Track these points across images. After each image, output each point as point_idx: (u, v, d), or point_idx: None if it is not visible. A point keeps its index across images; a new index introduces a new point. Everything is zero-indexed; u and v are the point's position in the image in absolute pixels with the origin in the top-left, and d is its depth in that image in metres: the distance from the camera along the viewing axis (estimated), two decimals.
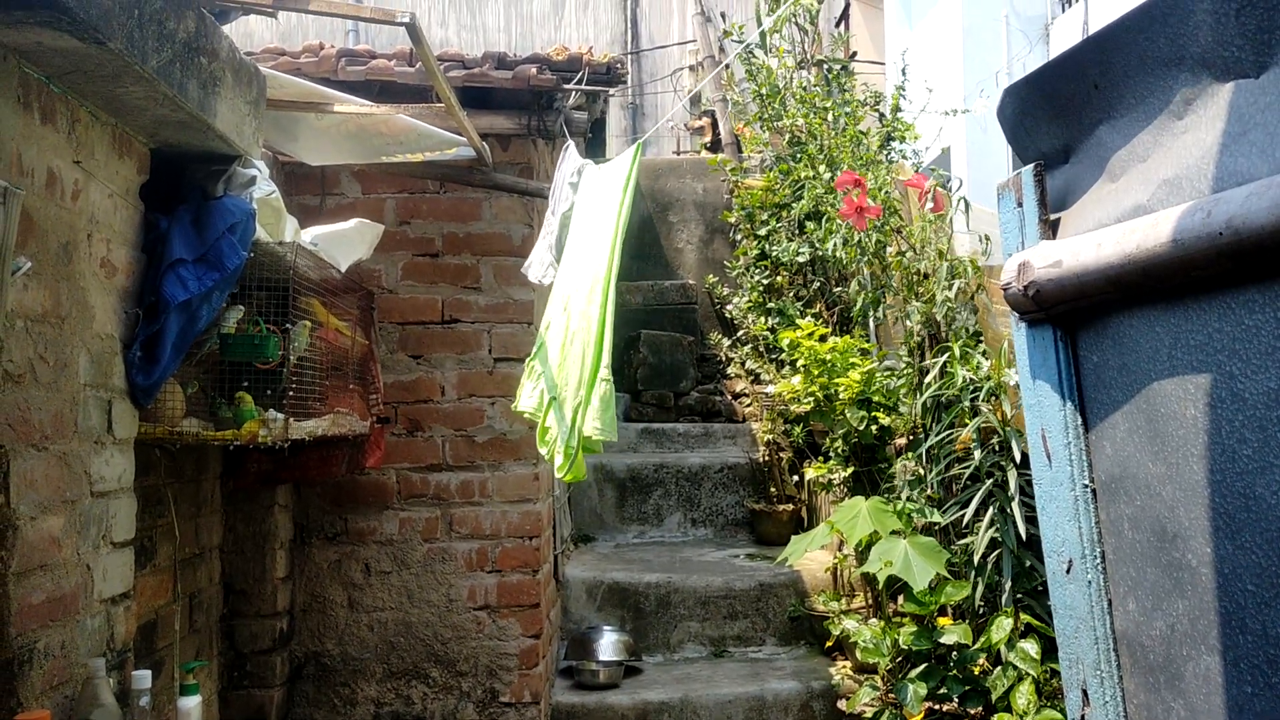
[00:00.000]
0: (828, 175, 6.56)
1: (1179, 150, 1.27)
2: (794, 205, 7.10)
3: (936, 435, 4.54)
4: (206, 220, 2.77)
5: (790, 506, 6.38)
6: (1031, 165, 1.49)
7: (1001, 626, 3.96)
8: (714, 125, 10.14)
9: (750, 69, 7.95)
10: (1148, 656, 1.36)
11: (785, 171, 7.34)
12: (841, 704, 4.64)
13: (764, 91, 7.70)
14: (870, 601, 5.04)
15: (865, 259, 5.60)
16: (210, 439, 2.95)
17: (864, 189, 4.80)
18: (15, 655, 2.16)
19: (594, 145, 5.64)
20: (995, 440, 4.30)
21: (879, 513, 4.37)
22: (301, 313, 3.28)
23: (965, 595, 4.20)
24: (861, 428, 5.27)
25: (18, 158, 2.14)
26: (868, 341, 5.87)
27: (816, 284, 7.05)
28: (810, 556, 5.43)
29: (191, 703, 2.90)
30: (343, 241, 3.81)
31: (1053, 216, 1.48)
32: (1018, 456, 4.13)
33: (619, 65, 4.62)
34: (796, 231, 7.15)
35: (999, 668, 3.96)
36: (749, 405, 7.50)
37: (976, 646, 4.11)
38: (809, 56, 8.19)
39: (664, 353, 7.98)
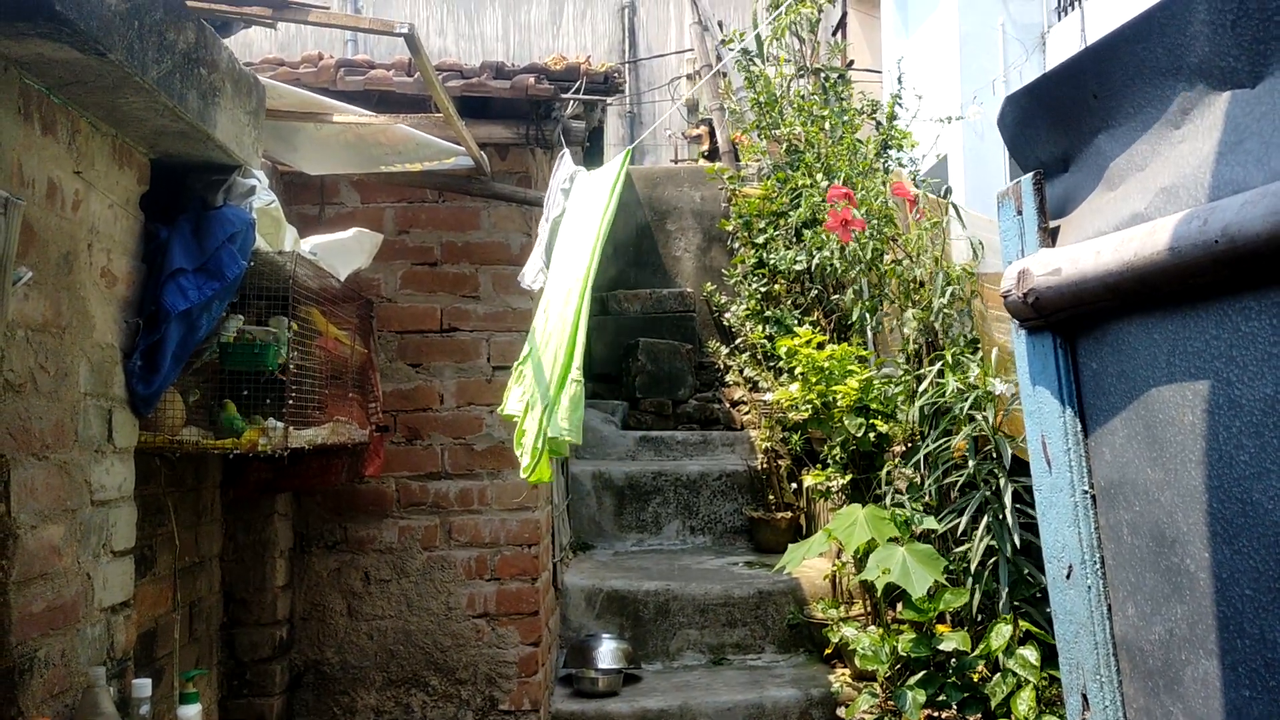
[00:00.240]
0: (825, 183, 6.57)
1: (1176, 159, 1.28)
2: (791, 213, 7.12)
3: (932, 443, 4.55)
4: (206, 230, 2.78)
5: (789, 514, 6.38)
6: (1031, 174, 1.50)
7: (1000, 633, 3.96)
8: (711, 134, 10.16)
9: (749, 77, 7.97)
10: (1147, 661, 1.36)
11: (783, 180, 7.35)
12: (841, 711, 4.64)
13: (762, 100, 7.71)
14: (869, 609, 5.05)
15: (861, 267, 5.62)
16: (210, 447, 2.96)
17: (853, 201, 4.82)
18: (16, 664, 2.16)
19: (592, 154, 5.66)
20: (989, 448, 4.31)
21: (877, 520, 4.37)
22: (301, 321, 3.28)
23: (964, 602, 4.20)
24: (859, 435, 5.28)
25: (19, 168, 2.15)
26: (865, 349, 5.88)
27: (814, 292, 7.06)
28: (809, 564, 5.43)
29: (191, 711, 2.90)
30: (342, 251, 3.82)
31: (1052, 224, 1.49)
32: (1008, 463, 4.14)
33: (616, 74, 4.64)
34: (794, 239, 7.16)
35: (998, 675, 3.96)
36: (747, 413, 7.50)
37: (975, 653, 4.11)
38: (807, 65, 8.21)
39: (662, 361, 7.99)
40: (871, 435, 5.28)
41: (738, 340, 7.39)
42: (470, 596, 4.45)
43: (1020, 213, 1.48)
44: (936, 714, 4.22)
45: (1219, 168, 1.20)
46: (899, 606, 4.59)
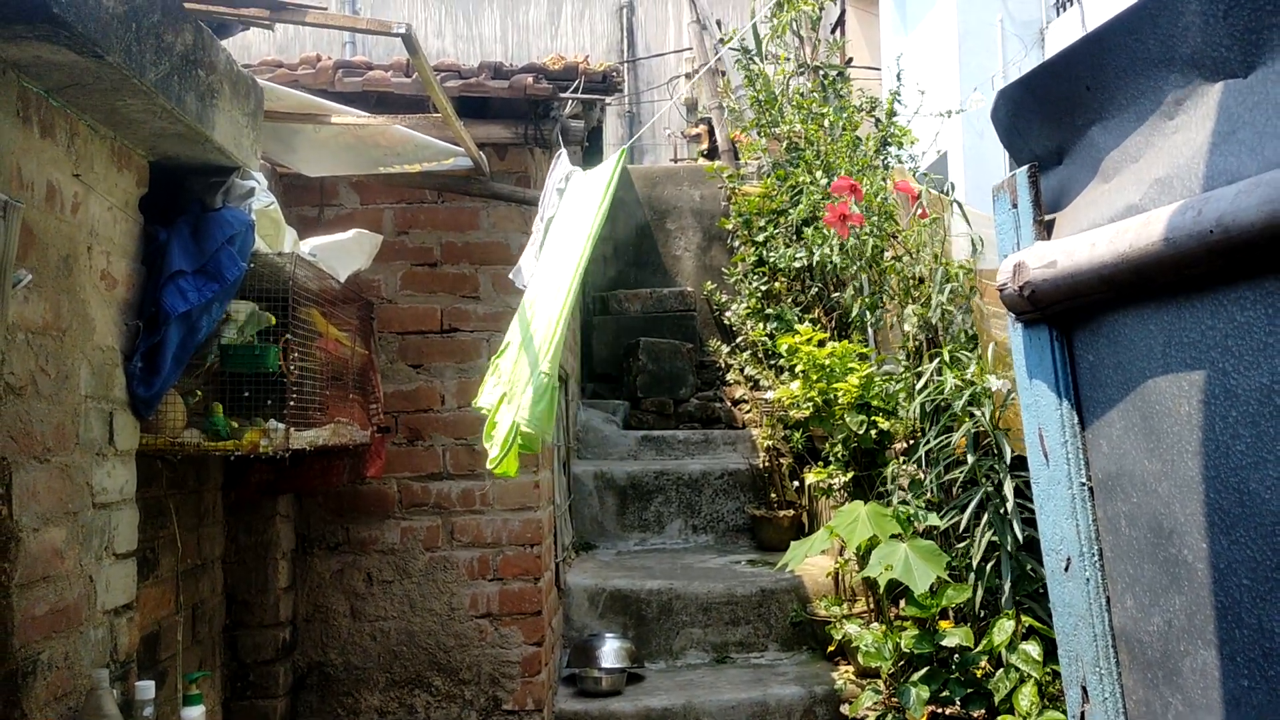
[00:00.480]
0: (824, 181, 6.57)
1: (1170, 150, 1.28)
2: (791, 211, 7.12)
3: (933, 439, 4.55)
4: (205, 232, 2.78)
5: (791, 512, 6.39)
6: (1026, 167, 1.50)
7: (1003, 629, 3.97)
8: (711, 133, 10.17)
9: (748, 75, 7.98)
10: (1146, 652, 1.37)
11: (782, 178, 7.35)
12: (844, 708, 4.65)
13: (761, 98, 7.72)
14: (871, 606, 5.05)
15: (862, 264, 5.62)
16: (211, 449, 2.96)
17: (859, 194, 4.81)
18: (19, 667, 2.16)
19: (591, 153, 5.66)
20: (988, 443, 4.31)
21: (879, 517, 4.37)
22: (300, 323, 3.28)
23: (966, 598, 4.20)
24: (861, 432, 5.28)
25: (17, 171, 2.15)
26: (866, 346, 5.88)
27: (814, 289, 7.06)
28: (811, 562, 5.43)
29: (195, 713, 2.90)
30: (341, 252, 3.82)
31: (1047, 217, 1.49)
32: (1008, 460, 4.14)
33: (615, 74, 4.64)
34: (794, 237, 7.17)
35: (1001, 670, 3.96)
36: (749, 411, 7.51)
37: (978, 649, 4.12)
38: (806, 63, 8.21)
39: (663, 360, 7.99)
40: (873, 432, 5.28)
41: (738, 339, 7.39)
42: (473, 597, 4.46)
43: (1015, 206, 1.49)
44: (940, 710, 4.22)
45: (1213, 158, 1.21)
46: (901, 603, 4.60)
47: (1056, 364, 1.46)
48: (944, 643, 4.19)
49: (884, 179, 6.06)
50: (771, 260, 7.23)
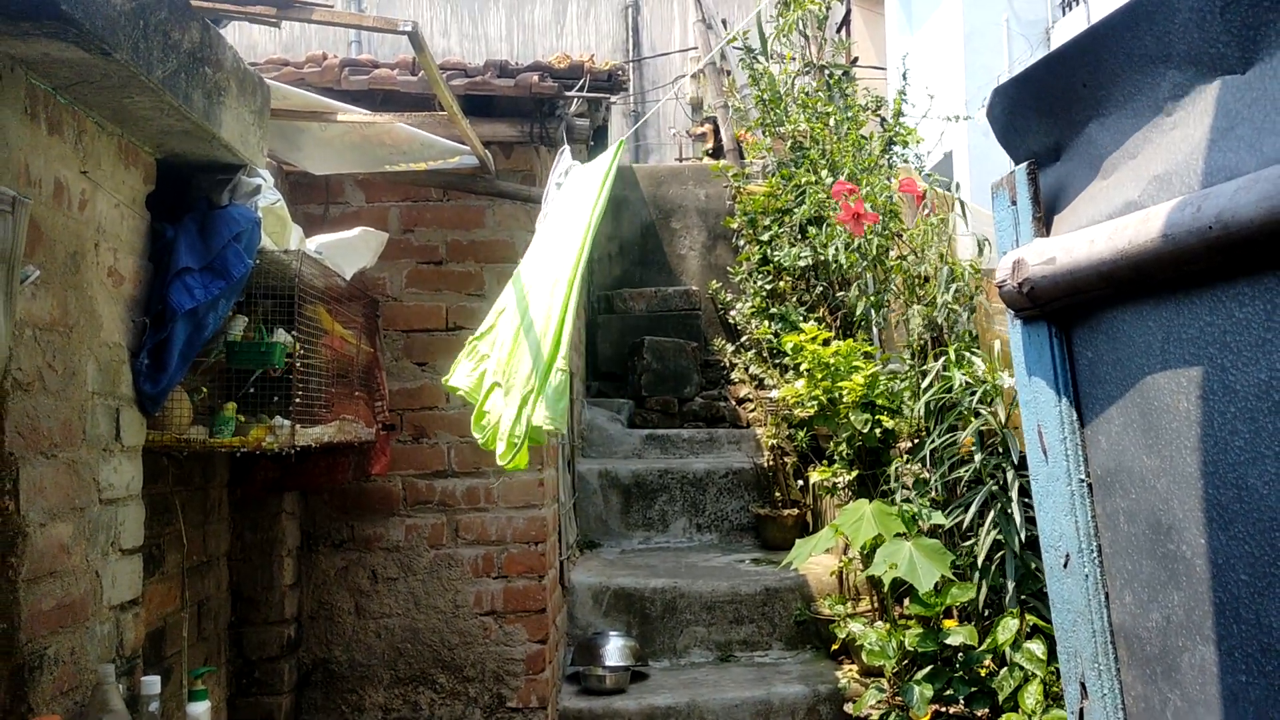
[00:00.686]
0: (830, 180, 6.57)
1: (1168, 146, 1.29)
2: (796, 210, 7.12)
3: (938, 438, 4.55)
4: (212, 229, 2.79)
5: (795, 511, 6.39)
6: (1025, 163, 1.50)
7: (1007, 627, 3.97)
8: (716, 132, 10.16)
9: (753, 75, 7.98)
10: (1145, 648, 1.37)
11: (787, 177, 7.35)
12: (848, 707, 4.65)
13: (766, 97, 7.72)
14: (876, 604, 5.05)
15: (867, 263, 5.62)
16: (217, 446, 2.97)
17: (859, 199, 4.82)
18: (26, 661, 2.18)
19: (596, 152, 5.65)
20: (995, 442, 4.31)
21: (883, 516, 4.37)
22: (306, 321, 3.30)
23: (970, 597, 4.20)
24: (865, 431, 5.28)
25: (25, 168, 2.17)
26: (871, 345, 5.88)
27: (819, 289, 7.06)
28: (815, 560, 5.44)
29: (200, 708, 2.91)
30: (347, 250, 3.83)
31: (1046, 214, 1.50)
32: (1016, 458, 4.14)
33: (620, 72, 4.65)
34: (799, 236, 7.17)
35: (1005, 668, 3.96)
36: (753, 410, 7.51)
37: (982, 648, 4.12)
38: (811, 62, 8.21)
39: (668, 359, 8.00)
40: (877, 431, 5.28)
41: (743, 338, 7.40)
42: (477, 594, 4.47)
43: (1014, 203, 1.49)
44: (944, 708, 4.22)
45: (1211, 154, 1.21)
46: (906, 602, 4.60)
47: (1055, 361, 1.46)
48: (948, 641, 4.19)
49: (889, 177, 6.07)
50: (776, 259, 7.23)
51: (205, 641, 3.84)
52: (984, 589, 4.22)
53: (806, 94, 7.72)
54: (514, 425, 3.24)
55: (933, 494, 4.61)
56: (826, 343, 5.74)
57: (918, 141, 7.22)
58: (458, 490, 4.51)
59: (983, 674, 4.14)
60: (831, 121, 7.15)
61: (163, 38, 2.29)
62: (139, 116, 2.48)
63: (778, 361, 6.71)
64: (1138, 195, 1.31)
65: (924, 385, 4.70)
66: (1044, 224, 1.48)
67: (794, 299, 7.15)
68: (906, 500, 4.66)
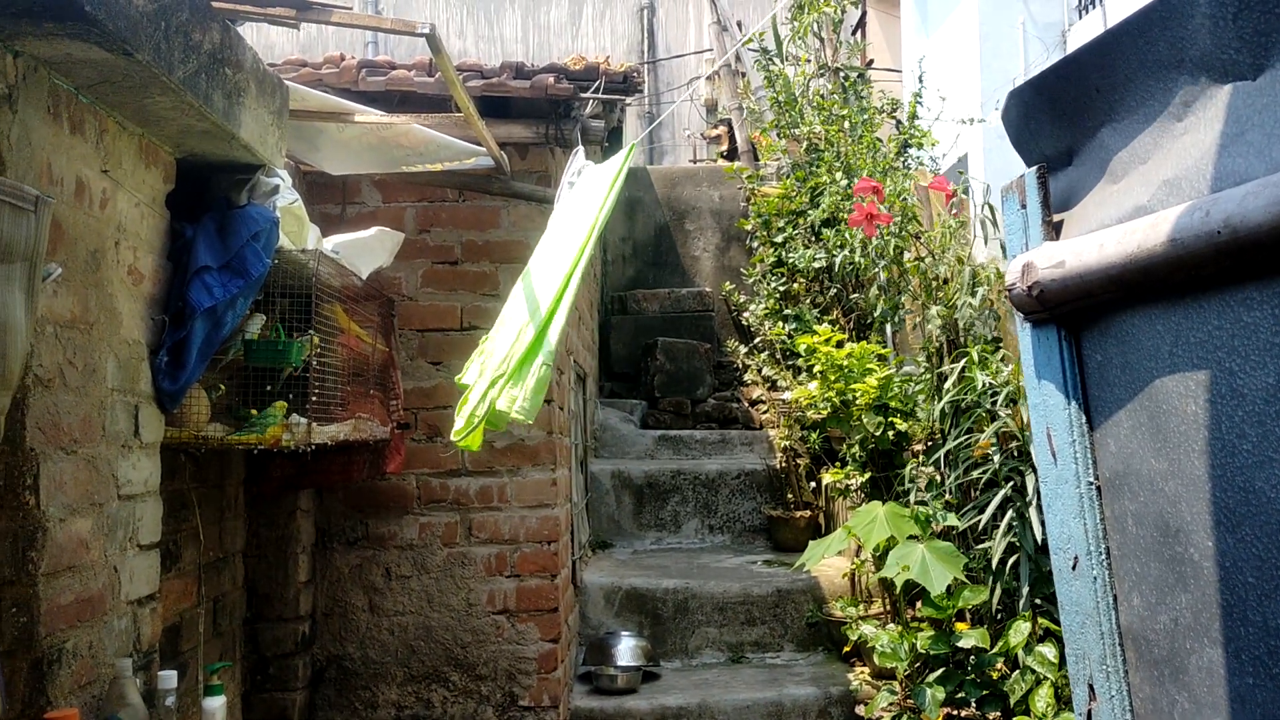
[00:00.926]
0: (844, 182, 6.58)
1: (1179, 151, 1.29)
2: (810, 212, 7.13)
3: (954, 440, 4.55)
4: (231, 228, 2.82)
5: (807, 513, 6.39)
6: (1035, 167, 1.51)
7: (1019, 630, 3.97)
8: (730, 134, 10.17)
9: (768, 77, 7.99)
10: (1152, 650, 1.38)
11: (802, 179, 7.36)
12: (860, 709, 4.65)
13: (781, 99, 7.73)
14: (888, 607, 5.05)
15: (884, 264, 5.62)
16: (235, 443, 3.00)
17: (881, 194, 4.81)
18: (45, 654, 2.20)
19: (611, 153, 5.67)
20: (1014, 445, 4.31)
21: (896, 518, 4.38)
22: (323, 319, 3.32)
23: (983, 600, 4.20)
24: (878, 433, 5.29)
25: (48, 167, 2.20)
26: (885, 347, 5.88)
27: (833, 291, 7.07)
28: (828, 562, 5.44)
29: (216, 703, 2.94)
30: (364, 249, 3.85)
31: (1056, 218, 1.51)
32: (1034, 460, 4.13)
33: (635, 74, 4.67)
34: (813, 238, 7.18)
35: (1017, 672, 3.96)
36: (766, 412, 7.52)
37: (994, 651, 4.12)
38: (827, 64, 8.22)
39: (681, 360, 8.01)
40: (890, 434, 5.29)
41: (756, 339, 7.41)
42: (490, 593, 4.49)
43: (1024, 206, 1.50)
44: (955, 712, 4.22)
45: (1221, 159, 1.22)
46: (918, 604, 4.60)
47: (1065, 364, 1.47)
48: (960, 644, 4.20)
49: (905, 176, 6.07)
50: (790, 261, 7.24)
51: (221, 637, 3.87)
52: (997, 591, 4.21)
53: (821, 96, 7.72)
54: (478, 405, 3.19)
55: (946, 496, 4.61)
56: (840, 345, 5.75)
57: (933, 144, 7.22)
58: (471, 489, 4.53)
59: (995, 677, 4.14)
60: (846, 124, 7.16)
61: (184, 38, 2.32)
62: (159, 116, 2.50)
63: (791, 363, 6.71)
64: (1147, 200, 1.32)
65: (946, 386, 4.70)
66: (1054, 228, 1.49)
67: (807, 301, 7.16)
68: (919, 502, 4.66)
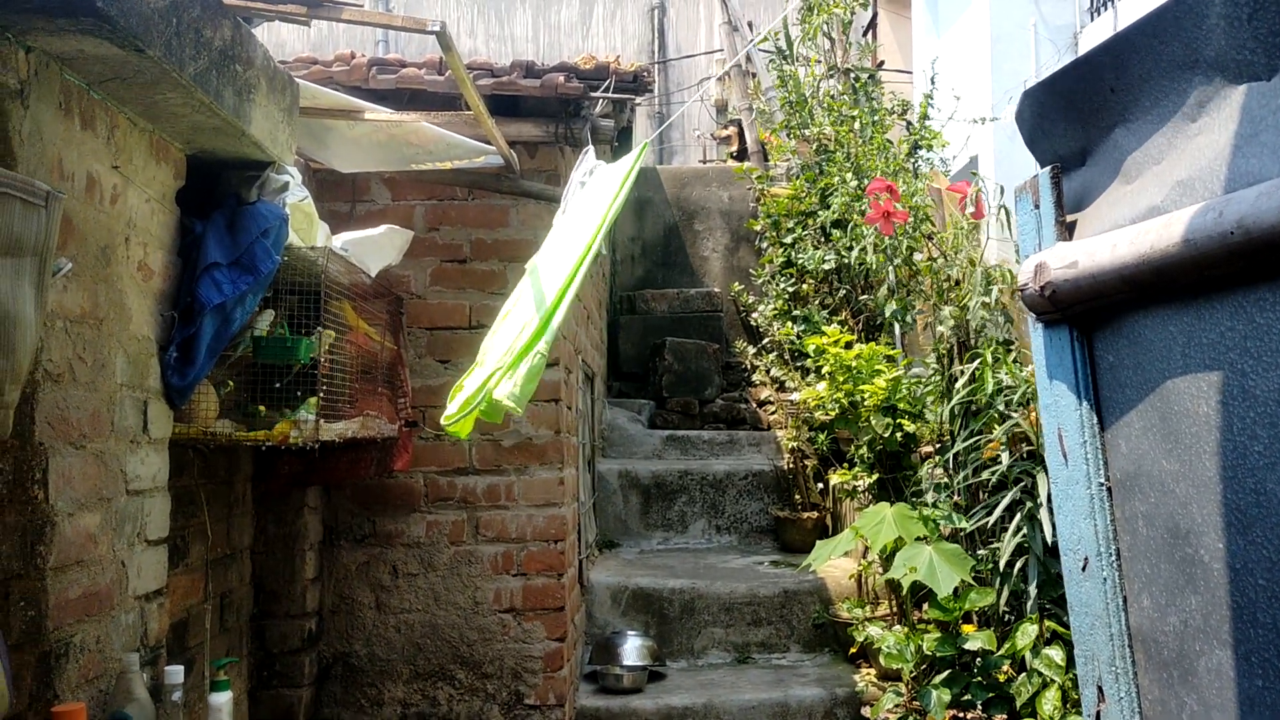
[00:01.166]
0: (854, 183, 6.57)
1: (1192, 152, 1.29)
2: (820, 213, 7.12)
3: (964, 441, 4.54)
4: (240, 225, 2.82)
5: (815, 514, 6.39)
6: (1048, 168, 1.51)
7: (1026, 633, 3.96)
8: (740, 134, 10.17)
9: (779, 77, 7.98)
10: (1162, 652, 1.37)
11: (812, 179, 7.35)
12: (865, 710, 4.65)
13: (791, 100, 7.72)
14: (894, 608, 5.04)
15: (895, 265, 5.61)
16: (243, 440, 3.00)
17: (895, 194, 4.80)
18: (52, 648, 2.21)
19: (620, 153, 5.67)
20: (1024, 447, 4.30)
21: (904, 519, 4.37)
22: (332, 317, 3.33)
23: (990, 602, 4.19)
24: (887, 435, 5.28)
25: (59, 162, 2.20)
26: (894, 349, 5.87)
27: (842, 292, 7.06)
28: (834, 564, 5.44)
29: (222, 699, 2.94)
30: (373, 247, 3.86)
31: (1069, 218, 1.50)
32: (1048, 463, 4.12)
33: (645, 74, 4.67)
34: (822, 239, 7.17)
35: (1023, 674, 3.96)
36: (774, 413, 7.51)
37: (1001, 653, 4.11)
38: (837, 65, 8.21)
39: (689, 360, 8.01)
40: (899, 435, 5.28)
41: (765, 340, 7.40)
42: (497, 591, 4.49)
43: (1038, 206, 1.50)
44: (961, 714, 4.21)
45: (1235, 160, 1.21)
46: (925, 606, 4.59)
47: (1077, 364, 1.47)
48: (966, 646, 4.19)
49: (916, 180, 6.06)
50: (800, 262, 7.23)
51: (227, 633, 3.87)
52: (1005, 594, 4.20)
53: (831, 97, 7.71)
54: (475, 393, 3.17)
55: (955, 498, 4.60)
56: (849, 346, 5.74)
57: (943, 145, 7.21)
58: (478, 487, 4.53)
59: (1001, 679, 4.13)
60: (857, 125, 7.15)
61: (195, 35, 2.32)
62: (170, 113, 2.51)
63: (799, 364, 6.71)
64: (1161, 200, 1.32)
65: (955, 388, 4.69)
66: (1067, 228, 1.49)
67: (816, 302, 7.15)
68: (929, 504, 4.65)
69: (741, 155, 9.88)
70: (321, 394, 3.19)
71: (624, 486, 6.59)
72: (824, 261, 6.92)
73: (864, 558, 5.28)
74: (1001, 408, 4.36)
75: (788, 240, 7.48)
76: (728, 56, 10.73)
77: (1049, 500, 4.03)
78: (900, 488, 5.31)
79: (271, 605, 4.23)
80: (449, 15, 12.67)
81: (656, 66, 12.34)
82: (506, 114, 4.45)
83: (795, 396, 6.46)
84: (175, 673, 2.63)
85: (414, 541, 4.50)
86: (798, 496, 6.58)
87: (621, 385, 8.40)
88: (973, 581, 4.19)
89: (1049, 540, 4.03)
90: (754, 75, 9.82)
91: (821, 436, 6.24)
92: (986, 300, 4.67)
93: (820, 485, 6.38)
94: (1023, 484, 4.21)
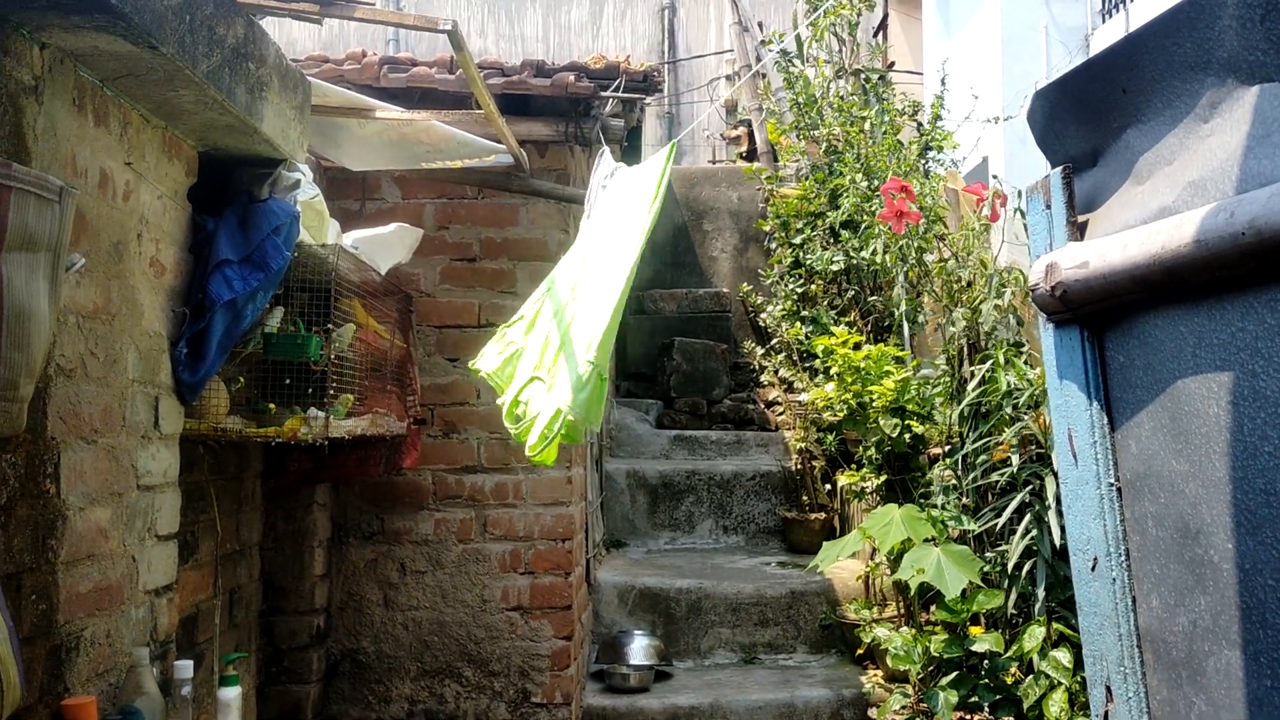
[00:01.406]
0: (864, 184, 6.57)
1: (1204, 153, 1.29)
2: (829, 214, 7.11)
3: (973, 443, 4.53)
4: (252, 222, 2.84)
5: (822, 515, 6.38)
6: (1060, 168, 1.51)
7: (1034, 635, 3.95)
8: (750, 135, 10.16)
9: (788, 78, 7.98)
10: (1170, 652, 1.37)
11: (821, 180, 7.34)
12: (872, 712, 4.64)
13: (801, 100, 7.71)
14: (902, 610, 5.04)
15: (906, 266, 5.61)
16: (253, 436, 3.02)
17: (910, 194, 4.79)
18: (63, 642, 2.22)
19: (630, 153, 5.69)
20: (1034, 449, 4.29)
21: (912, 520, 4.36)
22: (342, 314, 3.34)
23: (998, 604, 4.19)
24: (895, 436, 5.27)
25: (72, 158, 2.21)
26: (903, 350, 5.86)
27: (851, 293, 7.05)
28: (842, 565, 5.43)
29: (231, 694, 2.95)
30: (383, 245, 3.87)
31: (1080, 218, 1.50)
32: (1056, 465, 4.11)
33: (656, 74, 4.67)
34: (831, 240, 7.16)
35: (1031, 676, 3.95)
36: (782, 413, 7.50)
37: (1008, 655, 4.10)
38: (846, 66, 8.20)
39: (697, 360, 8.01)
40: (907, 436, 5.27)
41: (773, 341, 7.39)
42: (504, 590, 4.50)
43: (1049, 207, 1.50)
44: (968, 716, 4.21)
45: (1247, 161, 1.21)
46: (932, 608, 4.58)
47: (1087, 364, 1.47)
48: (974, 648, 4.18)
49: (927, 181, 6.05)
50: (808, 262, 7.22)
51: (236, 629, 3.89)
52: (1013, 595, 4.20)
53: (841, 98, 7.71)
54: (551, 421, 3.22)
55: (964, 500, 4.59)
56: (857, 346, 5.73)
57: (954, 146, 7.20)
58: (487, 486, 4.54)
59: (1008, 681, 4.12)
60: (867, 125, 7.14)
61: (208, 33, 2.34)
62: (183, 110, 2.52)
63: (807, 365, 6.70)
64: (1172, 201, 1.32)
65: (965, 389, 4.68)
66: (1078, 228, 1.49)
67: (825, 303, 7.14)
68: (943, 506, 4.64)
69: (751, 156, 9.87)
70: (333, 389, 3.20)
71: (631, 486, 6.59)
72: (833, 262, 6.91)
73: (871, 559, 5.28)
74: (1011, 410, 4.35)
75: (797, 241, 7.47)
76: (738, 57, 10.73)
77: (1057, 503, 4.02)
78: (908, 489, 5.30)
79: (280, 601, 4.25)
80: (460, 14, 12.69)
81: (666, 66, 12.34)
82: (517, 113, 4.46)
83: (803, 397, 6.45)
84: (185, 667, 2.64)
85: (422, 539, 4.51)
86: (805, 497, 6.57)
87: (630, 385, 8.41)
88: (981, 583, 4.18)
89: (1057, 543, 4.02)
90: (764, 75, 9.82)
91: (829, 437, 6.23)
92: (999, 303, 4.66)
93: (828, 486, 6.38)
94: (1031, 486, 4.20)
